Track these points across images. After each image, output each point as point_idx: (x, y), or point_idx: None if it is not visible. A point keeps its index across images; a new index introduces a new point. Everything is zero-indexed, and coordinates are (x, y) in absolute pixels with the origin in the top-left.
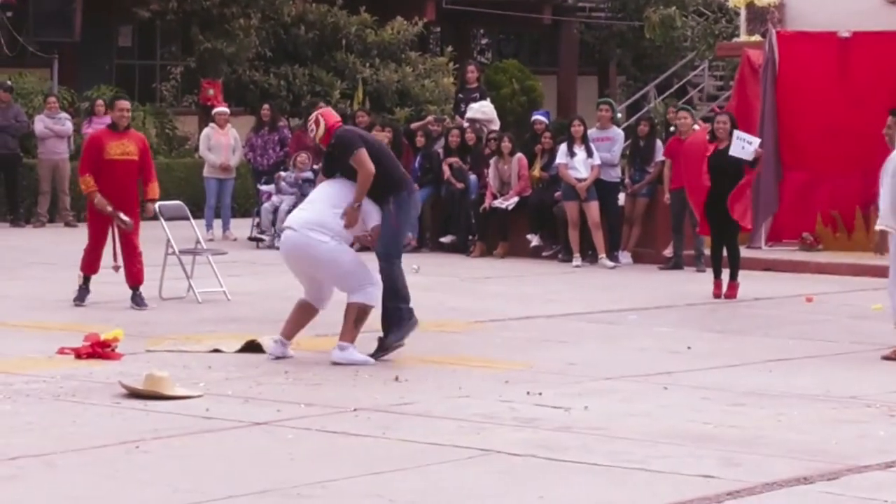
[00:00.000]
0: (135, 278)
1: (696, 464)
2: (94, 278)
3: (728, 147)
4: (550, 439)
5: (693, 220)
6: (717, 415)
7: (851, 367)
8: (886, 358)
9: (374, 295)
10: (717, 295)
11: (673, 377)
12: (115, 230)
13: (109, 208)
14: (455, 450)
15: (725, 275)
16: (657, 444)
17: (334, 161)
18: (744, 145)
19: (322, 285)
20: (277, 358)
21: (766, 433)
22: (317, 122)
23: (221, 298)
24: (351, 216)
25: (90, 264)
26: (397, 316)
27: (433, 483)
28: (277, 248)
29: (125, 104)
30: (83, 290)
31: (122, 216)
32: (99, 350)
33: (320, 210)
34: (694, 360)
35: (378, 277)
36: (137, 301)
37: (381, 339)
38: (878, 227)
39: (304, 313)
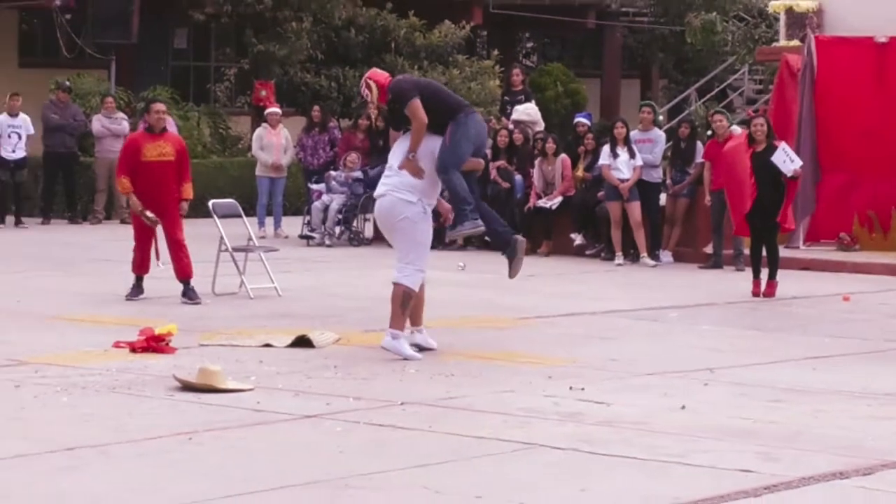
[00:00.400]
0: (184, 272)
1: (735, 458)
2: (149, 274)
3: (765, 150)
4: (593, 433)
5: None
6: (756, 410)
7: (888, 364)
8: None
9: (418, 281)
10: (756, 294)
11: (713, 373)
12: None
13: (139, 208)
14: (500, 443)
15: (765, 274)
16: (697, 438)
17: (398, 114)
18: (786, 159)
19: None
20: (421, 349)
21: (804, 429)
22: (368, 87)
23: (273, 294)
24: (407, 166)
25: (140, 264)
26: (462, 216)
27: (478, 476)
28: (328, 246)
29: (161, 107)
30: (136, 289)
31: (148, 213)
32: (153, 344)
33: (401, 172)
34: (734, 357)
35: (424, 265)
36: (190, 295)
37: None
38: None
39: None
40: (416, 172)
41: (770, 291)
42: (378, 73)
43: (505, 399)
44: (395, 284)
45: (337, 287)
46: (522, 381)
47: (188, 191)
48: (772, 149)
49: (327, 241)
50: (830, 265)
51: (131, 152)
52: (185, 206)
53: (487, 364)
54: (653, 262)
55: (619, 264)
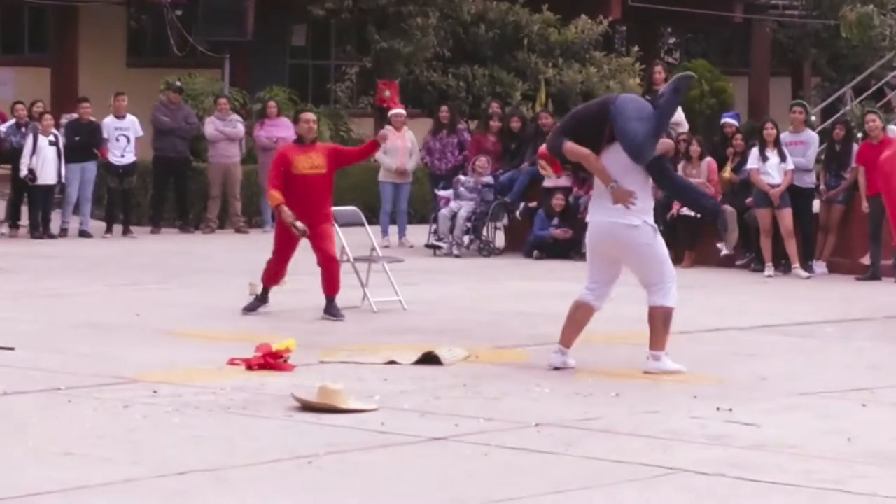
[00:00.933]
0: (332, 287)
1: None
2: (261, 285)
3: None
4: (741, 457)
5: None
6: None
7: None
8: None
9: (675, 294)
10: None
11: (872, 393)
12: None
13: (291, 218)
14: (641, 468)
15: None
16: (855, 463)
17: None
18: None
19: (614, 280)
20: (557, 368)
21: None
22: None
23: (397, 308)
24: (616, 197)
25: (273, 276)
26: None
27: (619, 501)
28: (456, 256)
29: (311, 116)
30: (258, 301)
31: (299, 224)
32: (271, 361)
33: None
34: (894, 376)
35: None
36: (332, 311)
37: None
38: None
39: (583, 315)
40: (626, 197)
41: None
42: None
43: (647, 420)
44: (654, 308)
45: (465, 300)
46: (665, 401)
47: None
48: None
49: (455, 251)
50: None
51: (282, 165)
52: (384, 132)
53: (627, 383)
54: (806, 274)
55: (770, 276)
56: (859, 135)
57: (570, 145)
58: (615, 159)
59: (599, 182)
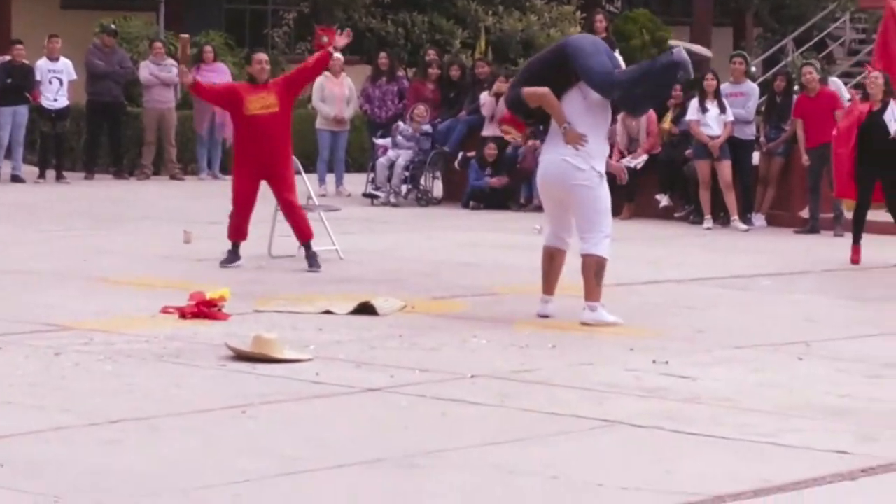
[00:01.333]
0: (304, 233)
1: (831, 439)
2: (197, 233)
3: (883, 107)
4: (677, 410)
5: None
6: (853, 387)
7: None
8: None
9: (608, 248)
10: (855, 261)
11: (808, 347)
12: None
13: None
14: (577, 420)
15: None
16: (790, 417)
17: (530, 111)
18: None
19: (569, 225)
20: (542, 317)
21: None
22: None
23: (334, 257)
24: (567, 138)
25: (237, 230)
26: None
27: (554, 454)
28: (394, 205)
29: (264, 56)
30: (232, 255)
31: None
32: (205, 309)
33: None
34: (831, 329)
35: (610, 230)
36: (311, 262)
37: None
38: None
39: (557, 260)
40: (577, 139)
41: None
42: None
43: (583, 373)
44: (586, 256)
45: (403, 250)
46: (602, 353)
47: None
48: (889, 107)
49: (392, 200)
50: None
51: (228, 94)
52: (338, 39)
53: (564, 335)
54: (744, 226)
55: (708, 228)
56: (796, 87)
57: (527, 89)
58: (572, 103)
59: (554, 123)
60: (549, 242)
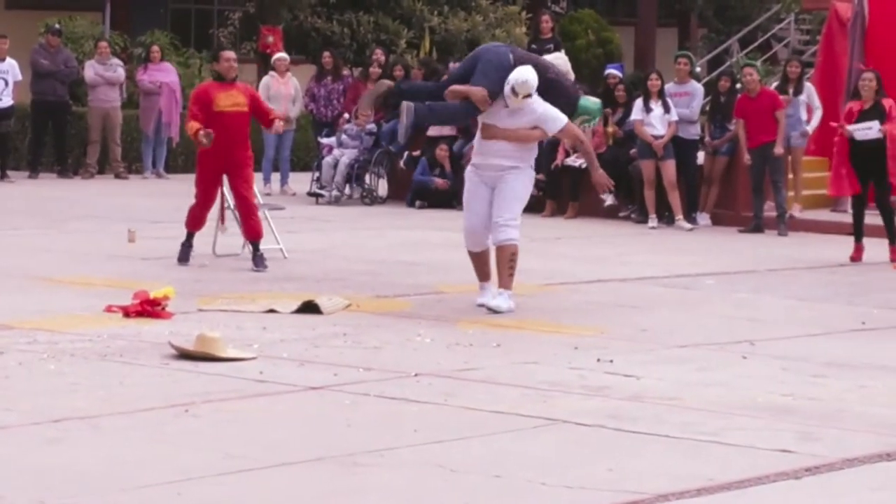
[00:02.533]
0: (253, 232)
1: (774, 437)
2: (141, 232)
3: (872, 107)
4: (620, 409)
5: (776, 179)
6: (796, 386)
7: None
8: None
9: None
10: (855, 259)
11: (752, 346)
12: (225, 188)
13: (202, 133)
14: (520, 419)
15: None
16: (733, 415)
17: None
18: (866, 131)
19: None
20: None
21: (847, 406)
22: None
23: (278, 256)
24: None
25: (195, 221)
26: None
27: (496, 453)
28: (338, 204)
29: (232, 54)
30: (186, 248)
31: (203, 136)
32: (148, 308)
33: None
34: (774, 329)
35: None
36: (257, 262)
37: None
38: None
39: (483, 259)
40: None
41: (894, 257)
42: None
43: (527, 371)
44: (508, 243)
45: (347, 249)
46: (546, 352)
47: (276, 115)
48: (879, 107)
49: (333, 193)
50: (880, 231)
51: (202, 102)
52: (279, 124)
53: (508, 333)
54: (689, 226)
55: (653, 227)
56: (738, 86)
57: (450, 89)
58: (497, 106)
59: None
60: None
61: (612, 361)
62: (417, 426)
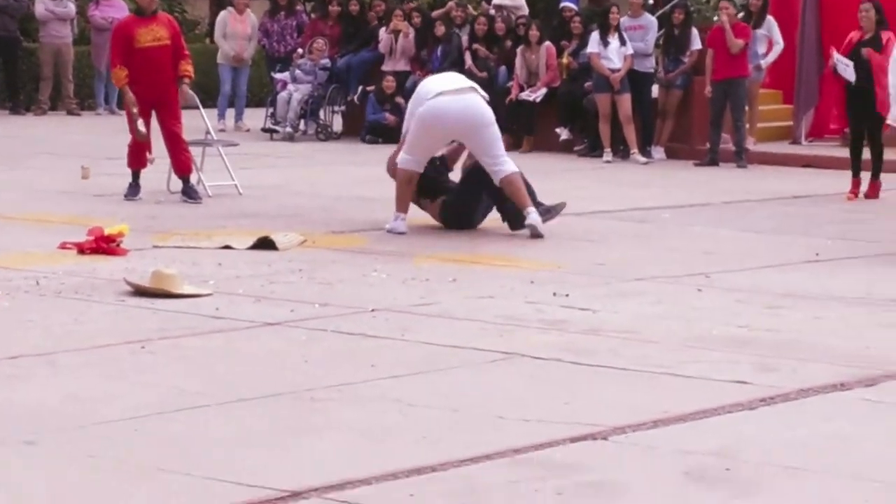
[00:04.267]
0: (183, 167)
1: (729, 369)
2: (95, 169)
3: (871, 38)
4: (577, 342)
5: (737, 114)
6: (751, 318)
7: (892, 269)
8: None
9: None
10: (854, 194)
11: (707, 278)
12: (156, 122)
13: (135, 109)
14: (477, 353)
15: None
16: (689, 348)
17: None
18: (845, 67)
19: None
20: (399, 233)
21: (802, 337)
22: None
23: (233, 192)
24: None
25: (136, 159)
26: None
27: (454, 386)
28: (291, 139)
29: None
30: (133, 187)
31: (140, 126)
32: (103, 245)
33: None
34: (730, 261)
35: None
36: (190, 193)
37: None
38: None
39: (412, 184)
40: None
41: (873, 193)
42: None
43: (483, 306)
44: (512, 174)
45: (302, 185)
46: (502, 286)
47: (189, 68)
48: (877, 38)
49: (287, 129)
50: (835, 162)
51: (123, 39)
52: (186, 87)
53: (464, 268)
54: (644, 159)
55: (608, 161)
56: (715, 17)
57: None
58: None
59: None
60: (414, 168)
61: (568, 295)
62: (374, 361)
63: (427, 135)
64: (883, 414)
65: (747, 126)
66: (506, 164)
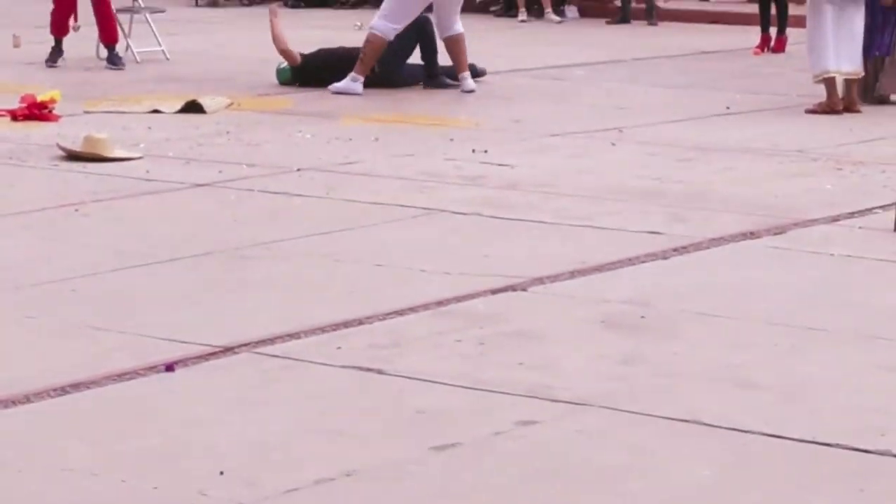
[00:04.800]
0: (109, 36)
1: (643, 220)
2: (25, 37)
3: None
4: (496, 197)
5: None
6: (664, 170)
7: (799, 121)
8: (810, 111)
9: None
10: (760, 49)
11: (621, 133)
12: None
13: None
14: (400, 209)
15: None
16: (604, 200)
17: None
18: None
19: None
20: (349, 92)
21: (713, 188)
22: None
23: (160, 58)
24: None
25: (58, 26)
26: None
27: (378, 242)
28: (215, 6)
29: None
30: (56, 52)
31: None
32: (35, 111)
33: None
34: (642, 116)
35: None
36: (114, 60)
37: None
38: None
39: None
40: None
41: (780, 47)
42: None
43: (404, 163)
44: (459, 34)
45: (227, 49)
46: (423, 144)
47: None
48: None
49: None
50: (742, 18)
51: None
52: None
53: (386, 127)
54: (557, 18)
55: (523, 21)
56: None
57: None
58: None
59: None
60: (388, 36)
61: (486, 152)
62: (301, 219)
63: None
64: (790, 261)
65: None
66: (459, 23)
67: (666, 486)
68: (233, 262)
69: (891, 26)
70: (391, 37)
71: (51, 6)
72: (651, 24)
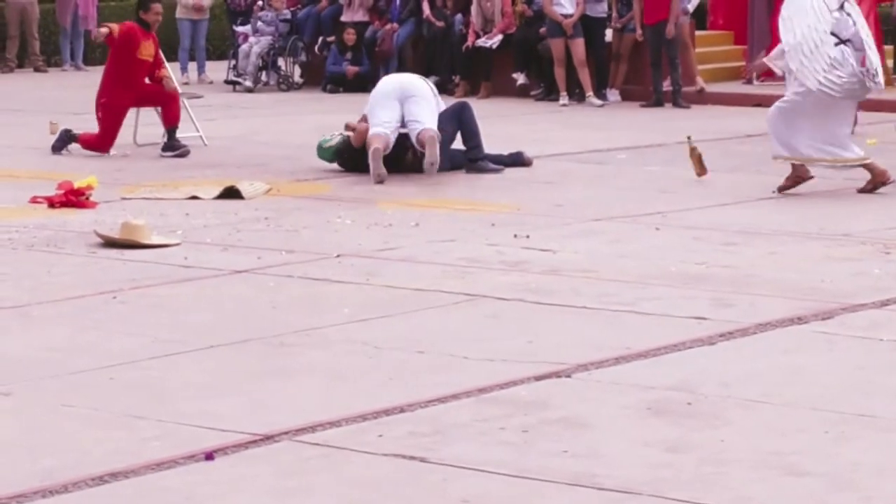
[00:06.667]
0: (173, 117)
1: (688, 305)
2: (62, 124)
3: None
4: (538, 282)
5: (672, 55)
6: (708, 255)
7: (845, 203)
8: (781, 189)
9: None
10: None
11: (664, 217)
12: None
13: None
14: (441, 295)
15: None
16: (648, 285)
17: None
18: None
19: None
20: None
21: (758, 272)
22: None
23: (198, 143)
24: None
25: (101, 143)
26: None
27: (419, 328)
28: (251, 90)
29: (160, 7)
30: (65, 139)
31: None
32: (73, 198)
33: None
34: (686, 200)
35: None
36: (175, 146)
37: None
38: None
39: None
40: None
41: None
42: None
43: (445, 249)
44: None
45: (265, 134)
46: (463, 229)
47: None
48: None
49: (248, 83)
50: None
51: (131, 44)
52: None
53: (426, 212)
54: (599, 102)
55: (564, 105)
56: None
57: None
58: None
59: None
60: (384, 132)
61: (528, 237)
62: (341, 306)
63: (378, 96)
64: (838, 346)
65: (696, 68)
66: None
67: None
68: (272, 349)
69: None
70: (387, 130)
71: (90, 97)
72: (678, 105)
